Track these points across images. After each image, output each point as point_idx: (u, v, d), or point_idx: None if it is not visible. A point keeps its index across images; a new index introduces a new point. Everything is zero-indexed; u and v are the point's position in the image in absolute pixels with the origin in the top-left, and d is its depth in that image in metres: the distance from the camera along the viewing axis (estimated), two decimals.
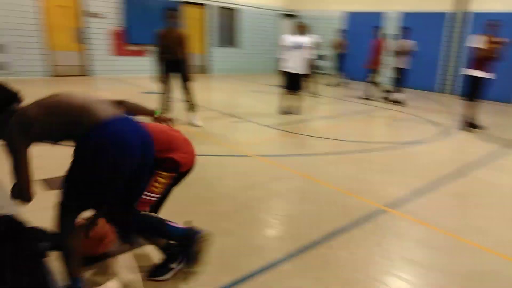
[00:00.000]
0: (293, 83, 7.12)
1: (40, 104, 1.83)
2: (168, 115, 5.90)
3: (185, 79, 5.72)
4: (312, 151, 5.26)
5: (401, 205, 3.59)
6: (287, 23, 15.15)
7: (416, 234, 3.09)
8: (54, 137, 1.88)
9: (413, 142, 5.93)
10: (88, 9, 10.17)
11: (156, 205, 2.32)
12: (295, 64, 6.98)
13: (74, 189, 1.85)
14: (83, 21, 10.23)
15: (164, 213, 3.15)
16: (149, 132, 2.06)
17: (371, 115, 8.19)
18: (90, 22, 10.30)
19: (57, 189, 2.34)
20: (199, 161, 4.51)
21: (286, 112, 7.36)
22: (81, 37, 10.31)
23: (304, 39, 6.97)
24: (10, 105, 1.86)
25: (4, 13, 8.85)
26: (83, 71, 10.59)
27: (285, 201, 3.64)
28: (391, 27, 12.04)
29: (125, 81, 10.10)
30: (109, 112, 1.88)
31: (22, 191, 1.81)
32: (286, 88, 7.24)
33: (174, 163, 2.26)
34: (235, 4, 13.42)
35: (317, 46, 9.22)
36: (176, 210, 3.22)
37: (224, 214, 3.22)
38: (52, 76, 9.88)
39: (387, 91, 9.77)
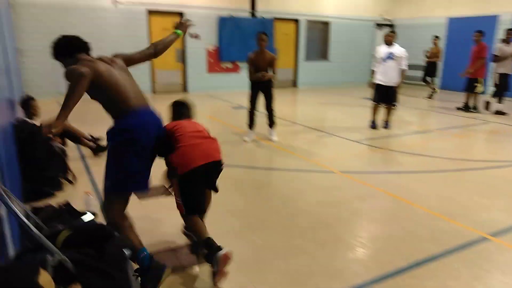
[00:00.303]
0: (385, 95, 6.78)
1: (102, 67, 2.31)
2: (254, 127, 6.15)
3: (270, 97, 5.96)
4: (401, 169, 4.90)
5: (507, 233, 3.13)
6: (382, 33, 14.57)
7: None
8: (94, 95, 2.32)
9: None
10: (190, 33, 11.03)
11: (192, 207, 2.45)
12: (387, 76, 6.66)
13: (111, 171, 2.31)
14: (183, 42, 11.12)
15: (239, 226, 3.21)
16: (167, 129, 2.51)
17: (471, 128, 7.37)
18: (189, 42, 11.14)
19: (153, 196, 2.59)
20: (280, 176, 4.55)
21: (376, 126, 7.01)
22: (180, 57, 11.22)
23: (396, 50, 6.60)
24: (78, 52, 2.38)
25: (122, 39, 10.03)
26: (182, 88, 11.47)
27: (369, 222, 3.43)
28: (501, 31, 10.79)
29: (219, 97, 10.65)
30: (138, 102, 2.36)
31: (60, 117, 2.10)
32: (377, 101, 6.91)
33: (170, 166, 2.39)
34: (328, 17, 13.33)
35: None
36: (251, 223, 3.26)
37: (301, 231, 3.14)
38: (153, 93, 10.89)
39: (488, 102, 8.84)
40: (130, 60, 2.59)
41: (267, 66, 5.77)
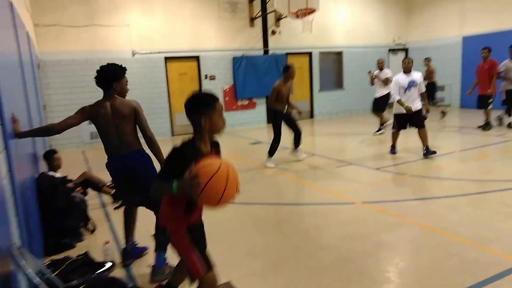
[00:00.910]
0: (411, 121, 6.56)
1: (102, 113, 3.01)
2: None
3: (296, 122, 6.57)
4: (426, 195, 4.72)
5: None
6: (396, 58, 14.60)
7: None
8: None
9: None
10: (205, 74, 11.37)
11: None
12: (412, 103, 6.41)
13: None
14: (199, 84, 11.43)
15: (260, 267, 3.11)
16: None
17: (494, 147, 7.11)
18: (205, 84, 11.44)
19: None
20: (300, 210, 4.45)
21: (396, 151, 6.85)
22: None
23: (416, 76, 6.44)
24: (104, 88, 3.03)
25: (141, 86, 10.40)
26: None
27: (396, 254, 3.26)
28: None
29: (236, 134, 10.76)
30: (117, 150, 3.04)
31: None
32: (398, 129, 6.74)
33: None
34: (340, 47, 13.48)
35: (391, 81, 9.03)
36: (272, 264, 3.16)
37: (324, 268, 3.02)
38: (172, 135, 11.10)
39: (501, 117, 8.98)
40: (136, 120, 3.12)
41: (288, 95, 6.43)
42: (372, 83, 9.37)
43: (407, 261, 3.14)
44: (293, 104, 6.64)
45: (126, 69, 3.16)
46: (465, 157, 6.47)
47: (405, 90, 6.44)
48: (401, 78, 6.51)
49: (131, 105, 3.06)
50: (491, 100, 8.62)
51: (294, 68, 6.41)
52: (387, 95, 9.14)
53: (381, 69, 9.14)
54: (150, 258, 3.30)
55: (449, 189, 4.82)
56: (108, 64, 3.08)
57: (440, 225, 3.68)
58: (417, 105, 6.47)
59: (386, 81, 8.97)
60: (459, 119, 11.06)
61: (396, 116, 6.71)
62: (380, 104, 9.20)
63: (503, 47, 9.72)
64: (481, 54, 8.72)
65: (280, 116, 6.43)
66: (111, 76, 3.03)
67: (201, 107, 2.05)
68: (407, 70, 6.50)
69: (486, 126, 8.72)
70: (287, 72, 6.35)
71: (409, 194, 4.83)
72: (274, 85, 6.41)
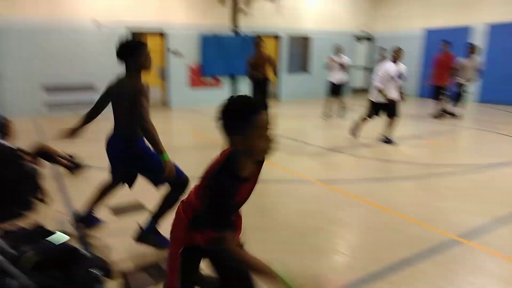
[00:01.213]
0: (387, 110, 6.59)
1: (113, 92, 2.94)
2: None
3: (266, 93, 6.58)
4: (379, 176, 4.97)
5: (479, 236, 3.21)
6: (363, 46, 14.93)
7: (495, 269, 2.73)
8: None
9: (496, 164, 5.30)
10: (171, 49, 11.11)
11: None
12: (395, 92, 6.45)
13: None
14: (165, 60, 11.19)
15: None
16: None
17: (443, 134, 7.56)
18: (171, 60, 11.21)
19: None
20: (259, 187, 4.53)
21: (357, 135, 7.08)
22: (163, 74, 11.28)
23: (402, 68, 6.46)
24: (127, 58, 2.77)
25: (104, 59, 10.01)
26: (164, 104, 11.48)
27: (346, 230, 3.47)
28: (478, 42, 11.28)
29: (200, 111, 10.68)
30: (114, 129, 2.93)
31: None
32: (371, 116, 6.75)
33: None
34: (308, 31, 13.56)
35: (348, 68, 9.45)
36: None
37: (279, 243, 3.16)
38: None
39: (446, 108, 9.58)
40: (135, 106, 2.76)
41: (265, 65, 6.43)
42: (328, 68, 9.62)
43: (356, 237, 3.34)
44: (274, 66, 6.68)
45: (144, 45, 2.85)
46: (417, 143, 6.84)
47: (393, 79, 6.38)
48: (391, 68, 6.39)
49: (133, 89, 2.75)
50: (445, 91, 9.13)
51: (258, 40, 6.48)
52: (345, 81, 9.53)
53: (337, 55, 9.38)
54: (111, 235, 3.30)
55: (400, 171, 5.12)
56: (127, 38, 2.88)
57: (388, 204, 3.92)
58: (396, 95, 6.50)
59: (345, 67, 9.26)
60: (415, 107, 11.55)
61: (373, 103, 6.67)
62: (338, 89, 9.46)
63: (462, 42, 10.23)
64: (441, 46, 9.10)
65: (256, 84, 6.55)
66: (125, 50, 2.79)
67: (232, 123, 1.48)
68: (396, 60, 6.42)
69: (439, 115, 9.21)
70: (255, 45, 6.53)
71: (363, 175, 5.06)
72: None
